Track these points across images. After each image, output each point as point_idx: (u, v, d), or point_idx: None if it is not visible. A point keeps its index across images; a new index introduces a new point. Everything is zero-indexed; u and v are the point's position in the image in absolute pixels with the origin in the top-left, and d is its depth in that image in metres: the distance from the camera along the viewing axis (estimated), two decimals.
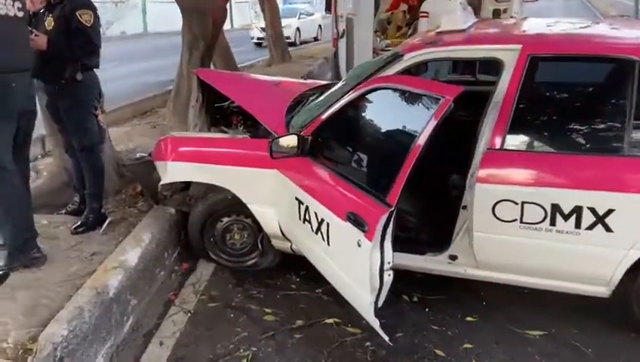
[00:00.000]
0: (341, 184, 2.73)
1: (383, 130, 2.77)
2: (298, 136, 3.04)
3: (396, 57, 3.15)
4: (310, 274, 3.29)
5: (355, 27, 7.35)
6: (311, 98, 3.75)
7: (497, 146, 2.83)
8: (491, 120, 2.86)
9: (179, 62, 7.01)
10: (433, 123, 2.31)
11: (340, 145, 2.99)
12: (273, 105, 3.65)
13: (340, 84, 3.58)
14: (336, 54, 7.57)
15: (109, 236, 3.76)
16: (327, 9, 11.09)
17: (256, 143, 3.41)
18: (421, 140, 2.32)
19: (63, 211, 4.18)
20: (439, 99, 2.34)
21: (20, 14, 3.08)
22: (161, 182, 3.54)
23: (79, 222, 3.88)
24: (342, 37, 7.07)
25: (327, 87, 4.03)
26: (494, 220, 2.84)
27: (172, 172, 3.49)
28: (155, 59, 11.75)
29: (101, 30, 3.77)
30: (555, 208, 2.69)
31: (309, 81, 4.85)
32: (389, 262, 2.47)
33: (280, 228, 3.40)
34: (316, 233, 2.91)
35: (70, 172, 4.36)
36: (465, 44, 3.08)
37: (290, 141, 3.03)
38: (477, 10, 7.66)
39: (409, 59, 3.09)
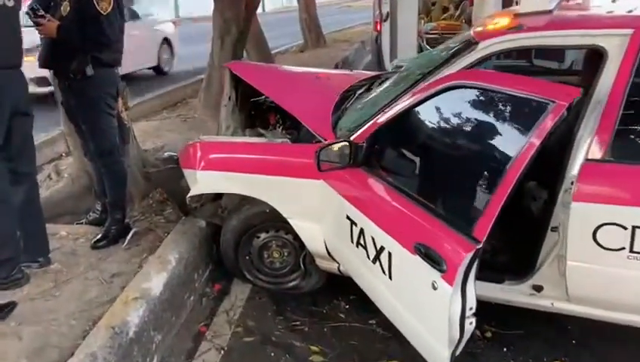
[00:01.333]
0: (407, 206, 2.21)
1: (466, 141, 2.20)
2: (350, 143, 2.52)
3: (469, 45, 2.59)
4: (360, 299, 2.80)
5: (398, 9, 6.77)
6: (359, 93, 3.23)
7: (600, 156, 2.27)
8: (592, 123, 2.29)
9: (210, 51, 6.55)
10: (539, 136, 1.76)
11: (405, 156, 2.45)
12: (316, 103, 3.14)
13: (395, 77, 3.04)
14: (377, 39, 6.99)
15: (133, 251, 3.33)
16: None
17: (299, 149, 2.92)
18: (521, 159, 1.78)
19: (84, 221, 3.77)
20: (547, 105, 1.79)
21: (10, 3, 2.65)
22: (190, 194, 3.08)
23: (100, 235, 3.47)
24: (386, 20, 6.48)
25: (378, 79, 3.49)
26: (595, 247, 2.29)
27: (202, 182, 3.02)
28: (189, 46, 11.32)
29: (124, 21, 3.30)
30: None
31: (353, 72, 4.30)
32: (471, 308, 1.96)
33: (326, 246, 2.91)
34: (373, 262, 2.41)
35: (92, 175, 3.96)
36: (556, 28, 2.50)
37: (341, 149, 2.52)
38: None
39: (485, 48, 2.53)
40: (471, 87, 2.13)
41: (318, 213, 2.87)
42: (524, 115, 1.90)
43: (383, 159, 2.48)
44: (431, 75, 2.60)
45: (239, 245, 3.17)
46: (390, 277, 2.30)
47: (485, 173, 1.91)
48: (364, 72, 4.17)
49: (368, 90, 3.26)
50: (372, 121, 2.62)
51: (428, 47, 7.37)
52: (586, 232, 2.28)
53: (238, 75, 3.34)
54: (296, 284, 3.20)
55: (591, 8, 2.86)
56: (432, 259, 2.00)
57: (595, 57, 2.39)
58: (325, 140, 2.84)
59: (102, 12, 3.11)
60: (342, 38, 14.68)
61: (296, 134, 3.21)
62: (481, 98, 2.12)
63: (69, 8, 3.21)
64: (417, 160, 2.36)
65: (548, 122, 1.76)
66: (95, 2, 3.11)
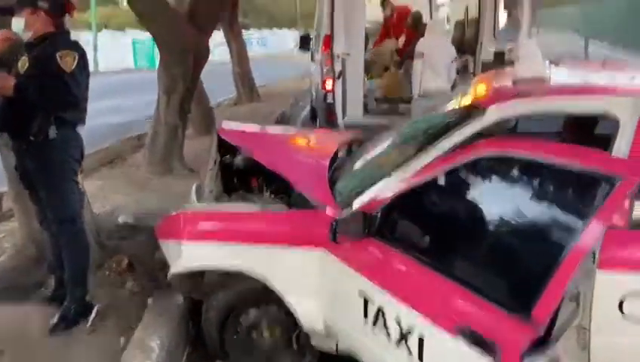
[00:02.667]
0: (443, 283, 2.05)
1: (510, 217, 2.07)
2: (365, 213, 2.35)
3: (474, 112, 2.53)
4: None
5: (347, 67, 6.80)
6: (355, 155, 3.09)
7: (623, 223, 2.21)
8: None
9: (155, 107, 6.25)
10: (607, 215, 1.66)
11: (435, 230, 2.29)
12: (309, 166, 2.97)
13: (393, 141, 2.94)
14: (326, 97, 6.94)
15: (100, 334, 2.96)
16: (303, 47, 10.60)
17: (296, 216, 2.71)
18: (587, 239, 1.66)
19: (36, 298, 3.32)
20: (614, 180, 1.71)
21: None
22: (173, 270, 2.77)
23: (57, 317, 3.06)
24: (339, 78, 6.46)
25: (359, 141, 3.39)
26: (623, 320, 2.21)
27: (188, 256, 2.73)
28: (111, 99, 10.90)
29: (89, 76, 3.01)
30: None
31: (340, 132, 4.17)
32: None
33: (325, 324, 2.69)
34: (397, 344, 2.21)
35: (41, 245, 3.54)
36: (567, 94, 2.49)
37: (355, 218, 2.34)
38: (468, 49, 7.29)
39: (493, 114, 2.47)
40: (506, 158, 2.03)
41: (317, 286, 2.65)
42: (582, 189, 1.81)
43: (404, 231, 2.31)
44: (439, 142, 2.50)
45: (225, 324, 2.87)
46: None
47: (538, 250, 1.79)
48: (346, 132, 4.04)
49: (365, 152, 3.14)
50: (383, 189, 2.47)
51: (373, 104, 7.45)
52: (612, 303, 2.20)
53: (228, 140, 3.11)
54: None
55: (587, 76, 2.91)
56: (481, 344, 1.84)
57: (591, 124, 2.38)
58: (324, 205, 2.67)
59: (66, 70, 2.83)
60: (274, 92, 14.68)
61: (286, 199, 3.01)
62: (523, 169, 2.02)
63: (27, 65, 2.92)
64: (450, 234, 2.21)
65: (617, 200, 1.68)
66: (58, 58, 2.83)
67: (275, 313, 2.87)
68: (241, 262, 2.72)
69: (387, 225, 2.35)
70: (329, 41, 6.72)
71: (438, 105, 3.53)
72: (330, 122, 6.97)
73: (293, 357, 2.91)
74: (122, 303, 3.31)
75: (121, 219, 4.28)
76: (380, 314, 2.28)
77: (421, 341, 2.09)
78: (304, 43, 10.47)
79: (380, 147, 2.98)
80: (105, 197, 5.03)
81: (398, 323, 2.19)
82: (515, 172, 2.04)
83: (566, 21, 31.74)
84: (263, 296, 2.82)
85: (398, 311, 2.18)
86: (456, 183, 2.20)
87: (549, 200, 1.96)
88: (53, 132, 2.88)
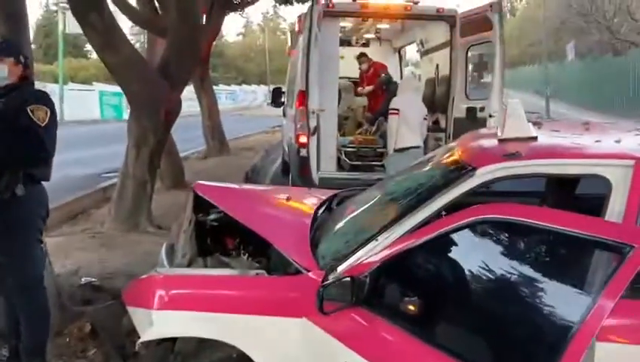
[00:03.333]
0: (438, 358, 1.89)
1: (517, 286, 1.93)
2: (353, 279, 2.21)
3: (464, 172, 2.44)
4: None
5: (321, 123, 6.78)
6: (337, 214, 2.96)
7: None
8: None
9: (124, 160, 6.06)
10: (618, 288, 1.55)
11: (428, 296, 2.15)
12: (289, 227, 2.82)
13: (377, 199, 2.83)
14: (299, 151, 6.87)
15: None
16: (275, 100, 10.61)
17: (276, 283, 2.55)
18: (598, 315, 1.55)
19: None
20: (624, 249, 1.61)
21: None
22: (143, 339, 2.55)
23: None
24: (314, 134, 6.41)
25: (346, 198, 3.27)
26: None
27: (160, 324, 2.51)
28: (76, 150, 10.64)
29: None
30: None
31: (312, 190, 4.05)
32: None
33: None
34: None
35: None
36: (557, 157, 2.43)
37: (342, 285, 2.19)
38: (439, 106, 7.38)
39: (484, 175, 2.38)
40: (507, 223, 1.92)
41: (299, 356, 2.47)
42: (586, 257, 1.71)
43: (395, 299, 2.15)
44: (430, 202, 2.40)
45: None
46: None
47: (545, 322, 1.67)
48: (322, 190, 3.92)
49: (343, 211, 3.01)
50: (369, 252, 2.34)
51: (347, 159, 7.41)
52: None
53: (204, 197, 2.95)
54: None
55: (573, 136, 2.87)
56: None
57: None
58: (307, 270, 2.51)
59: (40, 123, 2.67)
60: (243, 146, 14.66)
61: (265, 262, 2.85)
62: (523, 235, 1.91)
63: None
64: (446, 303, 2.07)
65: (628, 271, 1.58)
66: (30, 112, 2.67)
67: None
68: (217, 331, 2.51)
69: (377, 291, 2.20)
70: (303, 96, 6.72)
71: (414, 163, 3.47)
72: (304, 176, 6.89)
73: None
74: None
75: (83, 280, 4.03)
76: None
77: None
78: (276, 97, 10.51)
79: (362, 205, 2.87)
80: (66, 255, 4.75)
81: None
82: (519, 238, 1.93)
83: (527, 81, 33.01)
84: None
85: None
86: (454, 248, 2.08)
87: (555, 269, 1.85)
88: (21, 189, 2.69)
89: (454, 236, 2.04)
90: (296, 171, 7.10)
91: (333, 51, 6.93)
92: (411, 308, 2.05)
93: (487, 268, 1.96)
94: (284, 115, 10.23)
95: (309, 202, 3.21)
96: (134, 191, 5.93)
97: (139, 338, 2.76)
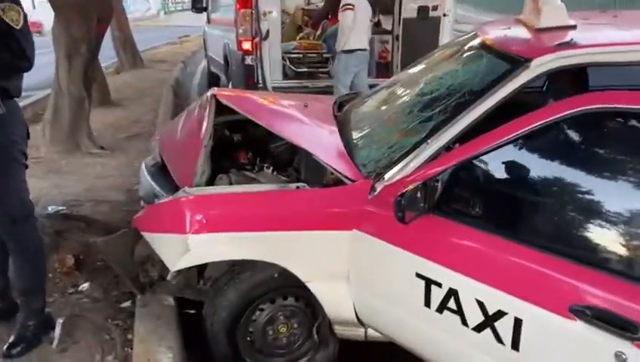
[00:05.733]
0: (542, 261, 1.80)
1: (631, 180, 1.83)
2: (425, 185, 2.03)
3: (517, 64, 2.28)
4: None
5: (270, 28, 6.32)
6: (358, 120, 2.73)
7: None
8: None
9: (54, 75, 5.37)
10: None
11: (523, 201, 2.01)
12: (322, 136, 2.57)
13: (414, 97, 2.63)
14: (244, 59, 6.40)
15: (75, 354, 2.39)
16: (194, 7, 9.80)
17: (325, 195, 2.33)
18: None
19: None
20: None
21: None
22: (178, 266, 2.27)
23: (13, 338, 2.45)
24: (266, 39, 5.96)
25: (357, 101, 3.04)
26: None
27: (198, 249, 2.24)
28: None
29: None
30: None
31: (325, 96, 3.73)
32: None
33: (355, 311, 2.38)
34: (477, 330, 1.95)
35: None
36: (614, 45, 2.31)
37: (414, 192, 2.01)
38: (390, 9, 7.08)
39: (539, 67, 2.23)
40: (623, 112, 1.79)
41: (348, 270, 2.32)
42: None
43: (483, 206, 2.00)
44: (481, 100, 2.23)
45: (237, 325, 2.43)
46: (517, 349, 1.86)
47: None
48: (317, 95, 3.61)
49: (360, 115, 2.79)
50: (421, 157, 2.16)
51: (292, 66, 7.04)
52: None
53: (231, 105, 2.58)
54: (309, 359, 2.58)
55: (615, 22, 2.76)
56: (614, 324, 1.63)
57: None
58: (351, 180, 2.31)
59: (14, 26, 2.18)
60: (155, 58, 13.64)
61: (292, 173, 2.60)
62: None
63: None
64: (546, 205, 1.94)
65: None
66: (1, 12, 2.16)
67: (293, 305, 2.50)
68: (261, 251, 2.29)
69: (454, 198, 2.05)
70: None
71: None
72: (250, 86, 6.48)
73: (315, 349, 2.57)
74: (89, 312, 2.74)
75: (51, 209, 3.58)
76: (452, 298, 2.00)
77: (517, 326, 1.85)
78: (196, 1, 9.70)
79: (390, 108, 2.66)
80: None
81: (482, 308, 1.92)
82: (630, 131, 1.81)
83: None
84: (279, 287, 2.43)
85: (484, 294, 1.91)
86: (549, 144, 1.94)
87: None
88: (0, 108, 2.23)
89: (548, 132, 1.89)
90: (240, 81, 6.64)
91: None
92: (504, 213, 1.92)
93: (594, 160, 1.85)
94: (209, 21, 9.53)
95: (321, 107, 2.95)
96: (71, 109, 5.30)
97: (160, 266, 2.52)
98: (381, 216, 2.19)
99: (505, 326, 1.88)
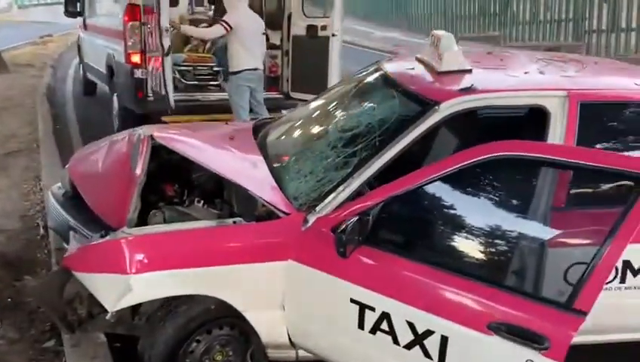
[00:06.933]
0: (459, 284, 2.09)
1: (533, 213, 2.14)
2: (361, 219, 2.25)
3: (427, 106, 2.58)
4: None
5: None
6: (282, 150, 2.90)
7: None
8: None
9: None
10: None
11: (443, 231, 2.29)
12: (250, 168, 2.70)
13: (329, 130, 2.85)
14: (132, 72, 6.25)
15: None
16: (67, 11, 9.31)
17: (260, 229, 2.48)
18: (631, 224, 1.84)
19: None
20: None
21: None
22: (118, 306, 2.29)
23: None
24: (167, 54, 5.84)
25: (273, 128, 3.21)
26: None
27: (140, 289, 2.28)
28: None
29: None
30: None
31: (242, 124, 3.77)
32: None
33: (288, 334, 2.55)
34: (408, 348, 2.21)
35: None
36: (507, 90, 2.69)
37: (352, 226, 2.22)
38: (278, 24, 7.24)
39: (447, 109, 2.55)
40: (521, 159, 2.11)
41: (282, 298, 2.49)
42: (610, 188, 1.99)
43: (408, 235, 2.27)
44: (398, 139, 2.50)
45: (175, 358, 2.49)
46: None
47: (568, 244, 1.95)
48: (243, 123, 3.64)
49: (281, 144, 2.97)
50: (350, 191, 2.39)
51: (183, 79, 7.00)
52: None
53: (166, 145, 2.60)
54: None
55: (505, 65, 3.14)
56: (524, 337, 1.95)
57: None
58: (284, 213, 2.49)
59: None
60: (19, 60, 12.68)
61: (222, 206, 2.70)
62: (544, 170, 2.12)
63: None
64: (463, 235, 2.23)
65: None
66: None
67: (229, 334, 2.61)
68: (200, 286, 2.39)
69: (383, 230, 2.29)
70: (138, 11, 6.06)
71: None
72: (140, 99, 6.33)
73: None
74: (3, 355, 2.63)
75: None
76: (384, 320, 2.24)
77: (443, 343, 2.12)
78: (70, 5, 9.22)
79: (310, 138, 2.86)
80: None
81: (412, 328, 2.18)
82: (536, 173, 2.15)
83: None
84: (216, 318, 2.54)
85: (412, 316, 2.17)
86: (463, 184, 2.24)
87: (576, 197, 2.14)
88: None
89: (464, 173, 2.19)
90: (128, 94, 6.46)
91: None
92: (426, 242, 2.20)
93: (501, 201, 2.18)
94: (85, 27, 9.09)
95: (245, 137, 3.07)
96: None
97: (88, 304, 2.51)
98: (315, 246, 2.40)
99: (433, 343, 2.15)
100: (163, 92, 5.86)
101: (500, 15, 16.16)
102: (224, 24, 5.79)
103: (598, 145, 2.60)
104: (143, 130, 2.57)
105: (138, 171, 2.52)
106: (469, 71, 2.88)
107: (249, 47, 5.95)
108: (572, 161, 2.01)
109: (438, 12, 18.42)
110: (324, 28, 6.56)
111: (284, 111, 6.75)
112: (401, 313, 2.20)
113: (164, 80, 5.83)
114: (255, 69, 5.98)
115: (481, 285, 2.07)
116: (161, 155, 2.83)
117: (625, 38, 12.26)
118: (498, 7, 16.27)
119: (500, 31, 16.13)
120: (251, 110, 6.03)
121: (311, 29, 6.66)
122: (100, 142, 3.33)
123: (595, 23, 12.89)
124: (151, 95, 6.31)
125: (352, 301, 2.31)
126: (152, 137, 2.61)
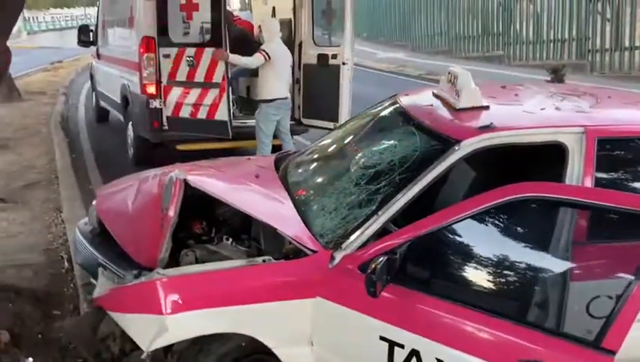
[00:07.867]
0: (489, 322, 2.15)
1: (559, 256, 2.23)
2: (389, 258, 2.31)
3: (448, 144, 2.65)
4: None
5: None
6: (306, 187, 2.98)
7: None
8: None
9: None
10: None
11: (471, 270, 2.35)
12: (278, 207, 2.78)
13: (350, 168, 2.93)
14: (148, 103, 6.39)
15: None
16: (81, 41, 9.50)
17: (289, 267, 2.55)
18: None
19: None
20: None
21: None
22: (154, 346, 2.35)
23: None
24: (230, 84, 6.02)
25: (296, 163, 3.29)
26: None
27: (176, 328, 2.35)
28: None
29: None
30: None
31: (264, 159, 3.86)
32: None
33: None
34: None
35: None
36: (526, 128, 2.76)
37: (381, 265, 2.28)
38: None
39: (468, 147, 2.62)
40: (545, 200, 2.19)
41: (311, 334, 2.55)
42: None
43: (436, 274, 2.34)
44: (420, 177, 2.57)
45: None
46: None
47: (599, 283, 2.01)
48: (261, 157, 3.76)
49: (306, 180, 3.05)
50: (375, 229, 2.46)
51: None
52: None
53: (197, 187, 2.69)
54: None
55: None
56: None
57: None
58: (312, 251, 2.56)
59: None
60: (31, 88, 12.88)
61: (255, 245, 2.78)
62: (561, 212, 2.20)
63: None
64: (491, 274, 2.30)
65: None
66: None
67: None
68: (233, 324, 2.46)
69: (409, 269, 2.35)
70: (152, 43, 6.23)
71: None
72: (155, 129, 6.47)
73: None
74: None
75: None
76: (414, 357, 2.29)
77: None
78: (83, 35, 9.42)
79: (333, 175, 2.95)
80: None
81: None
82: (556, 215, 2.22)
83: None
84: (246, 355, 2.60)
85: (441, 354, 2.22)
86: (491, 223, 2.31)
87: (600, 237, 2.21)
88: None
89: (490, 213, 2.26)
90: (144, 124, 6.60)
91: None
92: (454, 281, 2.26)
93: (527, 239, 2.25)
94: (98, 56, 9.26)
95: (269, 175, 3.15)
96: None
97: (120, 341, 2.58)
98: (342, 283, 2.46)
99: None
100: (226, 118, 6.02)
101: (503, 35, 16.36)
102: (264, 53, 6.00)
103: (615, 178, 2.68)
104: (175, 173, 2.65)
105: (171, 213, 2.60)
106: (487, 107, 2.96)
107: (281, 76, 6.17)
108: (596, 202, 2.08)
109: (441, 32, 18.64)
110: (334, 57, 6.66)
111: (295, 137, 6.96)
112: (431, 351, 2.25)
113: (228, 106, 5.98)
114: (285, 98, 6.22)
115: (509, 323, 2.13)
116: (185, 191, 2.91)
117: (629, 56, 12.37)
118: (501, 27, 16.46)
119: (504, 50, 16.32)
120: (275, 136, 6.17)
121: (322, 57, 6.77)
122: (126, 179, 3.43)
123: (599, 41, 13.05)
124: (166, 125, 6.47)
125: (381, 338, 2.37)
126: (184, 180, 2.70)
